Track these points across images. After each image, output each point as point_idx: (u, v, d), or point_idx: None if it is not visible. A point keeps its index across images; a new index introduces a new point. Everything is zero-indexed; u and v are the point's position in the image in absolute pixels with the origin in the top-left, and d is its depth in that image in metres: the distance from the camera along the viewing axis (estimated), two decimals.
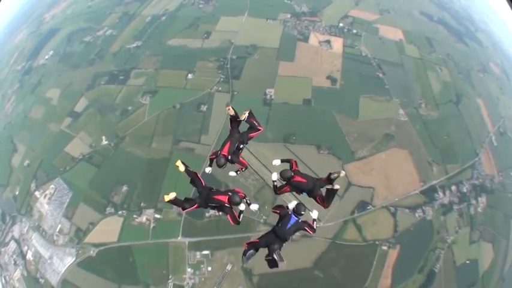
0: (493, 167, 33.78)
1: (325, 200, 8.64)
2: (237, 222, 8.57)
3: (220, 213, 8.71)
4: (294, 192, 9.03)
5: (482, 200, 31.34)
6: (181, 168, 8.92)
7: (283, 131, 31.05)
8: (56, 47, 43.23)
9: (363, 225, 28.14)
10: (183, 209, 8.81)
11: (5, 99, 40.59)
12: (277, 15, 40.17)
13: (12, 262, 29.74)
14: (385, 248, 27.56)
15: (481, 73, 41.84)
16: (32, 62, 42.87)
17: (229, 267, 26.79)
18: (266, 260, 8.29)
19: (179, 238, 27.69)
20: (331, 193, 8.60)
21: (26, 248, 29.57)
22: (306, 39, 37.99)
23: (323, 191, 8.69)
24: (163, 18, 41.51)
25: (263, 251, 8.39)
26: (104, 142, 32.22)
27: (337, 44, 37.71)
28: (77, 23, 45.54)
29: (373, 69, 36.10)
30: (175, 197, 8.66)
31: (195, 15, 40.98)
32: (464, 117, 35.87)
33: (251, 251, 8.51)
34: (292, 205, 8.28)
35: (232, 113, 8.95)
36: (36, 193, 31.13)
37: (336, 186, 8.51)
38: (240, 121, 9.05)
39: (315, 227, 8.55)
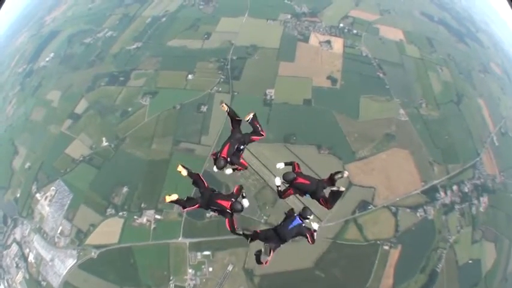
0: (494, 167, 33.66)
1: (329, 202, 8.59)
2: (233, 230, 8.55)
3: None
4: (297, 195, 8.98)
5: (484, 199, 31.19)
6: (184, 172, 8.86)
7: (284, 131, 30.99)
8: (57, 49, 43.41)
9: (364, 225, 28.04)
10: (184, 208, 8.78)
11: (6, 102, 40.70)
12: (277, 16, 40.25)
13: (14, 265, 29.72)
14: (386, 247, 27.45)
15: (482, 73, 41.78)
16: (33, 64, 43.01)
17: (230, 267, 26.67)
18: (255, 254, 8.29)
19: (180, 239, 27.61)
20: (336, 195, 8.53)
21: (27, 250, 29.57)
22: (306, 39, 38.05)
23: (326, 192, 8.63)
24: (164, 19, 41.64)
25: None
26: (104, 143, 32.26)
27: (338, 44, 37.73)
28: (78, 25, 45.72)
29: (373, 70, 36.11)
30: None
31: (196, 16, 41.12)
32: (466, 117, 35.81)
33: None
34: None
35: (225, 108, 8.97)
36: (37, 195, 31.15)
37: (341, 188, 8.45)
38: (240, 121, 9.03)
39: (315, 238, 8.52)
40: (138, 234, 28.12)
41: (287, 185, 8.82)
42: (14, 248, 30.21)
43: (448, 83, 37.94)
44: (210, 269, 26.71)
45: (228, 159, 8.57)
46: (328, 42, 37.77)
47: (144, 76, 35.92)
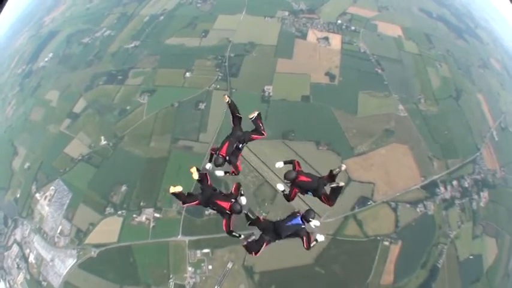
0: (494, 162, 33.52)
1: (330, 199, 8.59)
2: (229, 232, 8.57)
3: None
4: (299, 193, 8.97)
5: (485, 194, 31.01)
6: (195, 176, 8.86)
7: (282, 128, 30.87)
8: (55, 49, 43.40)
9: (364, 221, 27.89)
10: (184, 203, 8.77)
11: (5, 103, 40.75)
12: (275, 13, 40.03)
13: (16, 266, 29.72)
14: (386, 243, 27.29)
15: (481, 69, 41.57)
16: (32, 65, 43.03)
17: (229, 265, 26.61)
18: (247, 243, 8.60)
19: (179, 237, 27.52)
20: (336, 191, 8.60)
21: (28, 251, 29.53)
22: (304, 36, 37.87)
23: (327, 189, 8.65)
24: (162, 17, 41.59)
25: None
26: (103, 142, 32.18)
27: (336, 40, 37.57)
28: (76, 25, 45.67)
29: (371, 66, 35.95)
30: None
31: (193, 14, 40.95)
32: (465, 113, 35.65)
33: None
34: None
35: (226, 99, 8.96)
36: (37, 195, 31.10)
37: (341, 184, 8.49)
38: (241, 118, 9.04)
39: (311, 245, 8.54)
40: (137, 232, 28.01)
41: (290, 185, 8.82)
42: (15, 248, 30.19)
43: (446, 78, 37.77)
44: (210, 267, 26.60)
45: (227, 157, 8.54)
46: (326, 38, 37.59)
47: (142, 74, 35.82)
